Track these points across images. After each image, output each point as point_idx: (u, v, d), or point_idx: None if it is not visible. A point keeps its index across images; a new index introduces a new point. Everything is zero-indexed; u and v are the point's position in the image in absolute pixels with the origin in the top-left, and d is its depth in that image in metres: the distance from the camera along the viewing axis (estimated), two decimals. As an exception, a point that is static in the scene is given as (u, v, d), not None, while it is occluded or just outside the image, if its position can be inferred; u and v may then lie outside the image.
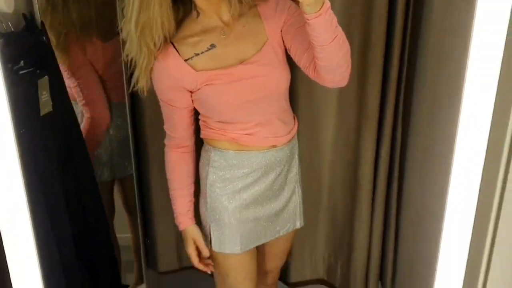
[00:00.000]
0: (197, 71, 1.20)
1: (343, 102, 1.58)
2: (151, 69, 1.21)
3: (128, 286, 1.98)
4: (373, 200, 1.63)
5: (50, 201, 1.31)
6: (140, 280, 1.87)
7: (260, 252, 1.46)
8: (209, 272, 1.40)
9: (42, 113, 1.32)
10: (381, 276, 1.76)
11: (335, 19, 1.03)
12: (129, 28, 1.15)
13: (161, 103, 1.29)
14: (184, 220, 1.36)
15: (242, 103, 1.23)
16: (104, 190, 1.72)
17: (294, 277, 1.84)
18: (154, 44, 1.17)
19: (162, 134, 1.62)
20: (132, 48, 1.18)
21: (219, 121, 1.27)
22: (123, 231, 1.97)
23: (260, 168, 1.30)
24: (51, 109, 1.35)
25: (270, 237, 1.40)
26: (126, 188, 1.89)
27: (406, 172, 1.60)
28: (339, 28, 1.06)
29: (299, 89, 1.53)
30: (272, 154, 1.30)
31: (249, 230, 1.34)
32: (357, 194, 1.62)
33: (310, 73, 1.20)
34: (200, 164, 1.37)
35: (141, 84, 1.22)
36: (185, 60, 1.20)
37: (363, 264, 1.70)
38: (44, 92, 1.33)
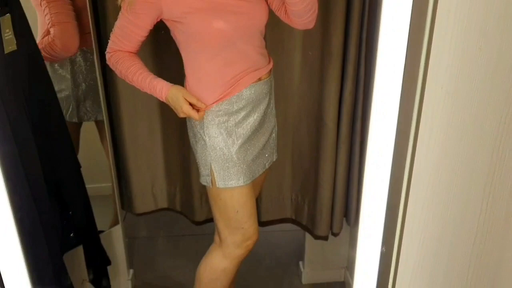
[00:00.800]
0: None
1: (308, 42, 1.61)
2: None
3: (104, 231, 2.04)
4: (337, 138, 1.68)
5: (18, 139, 1.33)
6: (116, 222, 1.93)
7: None
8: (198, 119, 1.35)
9: (6, 51, 1.32)
10: (346, 213, 1.84)
11: None
12: None
13: (124, 16, 1.31)
14: (163, 83, 1.34)
15: (229, 33, 1.28)
16: (70, 131, 1.73)
17: (263, 217, 1.92)
18: None
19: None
20: None
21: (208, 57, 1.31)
22: (99, 181, 2.00)
23: (250, 101, 1.36)
24: (15, 48, 1.36)
25: (261, 170, 1.47)
26: (101, 131, 1.91)
27: (369, 110, 1.64)
28: None
29: (266, 31, 1.55)
30: (259, 87, 1.37)
31: (248, 163, 1.39)
32: (322, 133, 1.68)
33: (281, 16, 1.33)
34: None
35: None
36: None
37: (328, 202, 1.77)
38: (7, 30, 1.33)
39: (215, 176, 1.37)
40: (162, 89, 1.34)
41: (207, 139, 1.36)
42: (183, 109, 1.33)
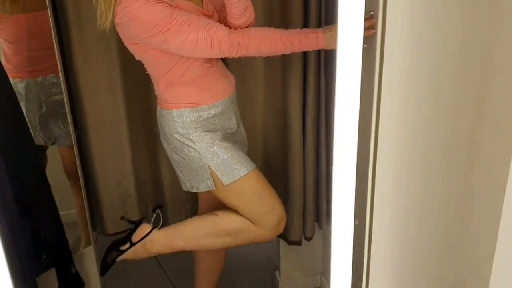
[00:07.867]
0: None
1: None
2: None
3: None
4: (304, 145, 1.74)
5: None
6: (88, 243, 1.90)
7: None
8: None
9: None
10: (317, 217, 1.89)
11: None
12: None
13: (169, 20, 1.24)
14: (315, 32, 1.31)
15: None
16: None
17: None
18: None
19: (97, 93, 1.67)
20: None
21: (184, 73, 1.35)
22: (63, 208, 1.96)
23: (226, 109, 1.43)
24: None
25: None
26: (65, 154, 1.90)
27: (332, 116, 1.72)
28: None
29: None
30: (231, 99, 1.46)
31: (240, 155, 1.43)
32: (289, 140, 1.73)
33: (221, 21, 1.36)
34: (164, 125, 1.43)
35: (107, 22, 1.28)
36: None
37: (299, 207, 1.81)
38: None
39: (218, 176, 1.38)
40: (318, 36, 1.30)
41: (196, 145, 1.38)
42: None
